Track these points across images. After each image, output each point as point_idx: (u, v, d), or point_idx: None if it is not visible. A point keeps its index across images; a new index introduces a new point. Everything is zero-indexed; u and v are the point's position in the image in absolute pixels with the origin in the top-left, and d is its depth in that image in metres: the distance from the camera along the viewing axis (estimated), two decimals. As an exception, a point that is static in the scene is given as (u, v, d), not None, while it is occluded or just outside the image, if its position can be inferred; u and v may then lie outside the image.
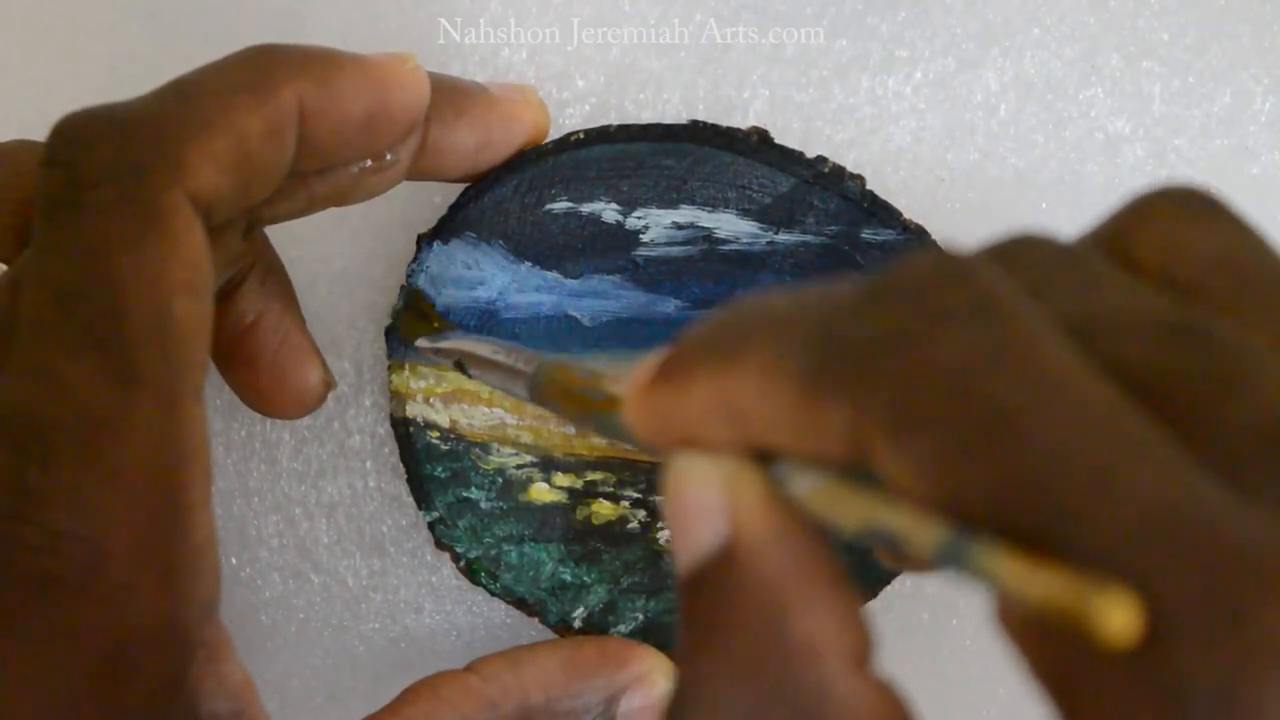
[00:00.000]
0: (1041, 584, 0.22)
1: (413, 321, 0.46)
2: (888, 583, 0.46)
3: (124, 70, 0.49)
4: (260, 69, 0.36)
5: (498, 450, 0.46)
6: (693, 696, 0.27)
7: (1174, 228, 0.28)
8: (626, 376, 0.30)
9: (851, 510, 0.26)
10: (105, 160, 0.33)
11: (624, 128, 0.45)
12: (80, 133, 0.33)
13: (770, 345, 0.27)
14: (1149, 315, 0.26)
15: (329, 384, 0.45)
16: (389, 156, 0.40)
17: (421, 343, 0.45)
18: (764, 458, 0.28)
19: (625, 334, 0.46)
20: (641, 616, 0.46)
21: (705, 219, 0.46)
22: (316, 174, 0.39)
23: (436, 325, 0.46)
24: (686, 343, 0.29)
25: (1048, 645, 0.24)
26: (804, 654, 0.26)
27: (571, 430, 0.46)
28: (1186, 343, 0.25)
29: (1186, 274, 0.27)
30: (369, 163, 0.40)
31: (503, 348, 0.41)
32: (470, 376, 0.43)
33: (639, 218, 0.46)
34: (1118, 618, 0.22)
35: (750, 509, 0.27)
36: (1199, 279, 0.27)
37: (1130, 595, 0.22)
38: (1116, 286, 0.26)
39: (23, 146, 0.39)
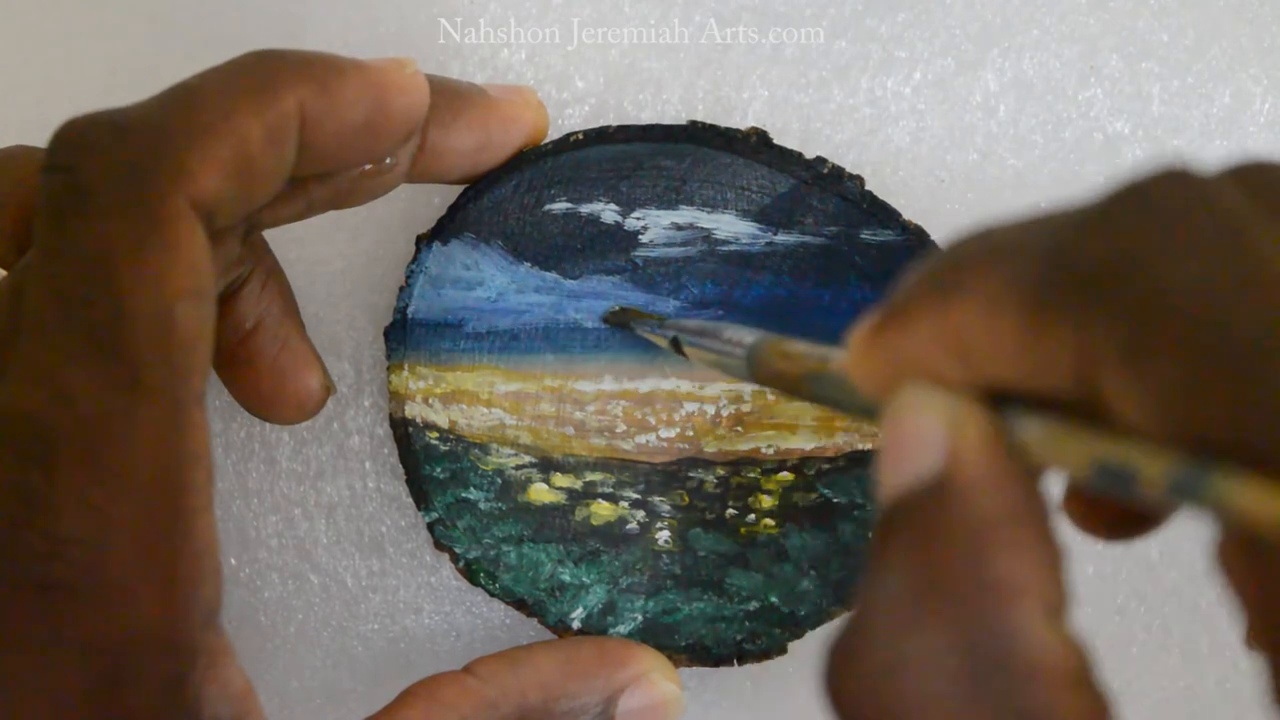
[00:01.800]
0: None
1: (626, 313, 0.46)
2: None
3: (124, 73, 0.49)
4: (261, 74, 0.35)
5: (497, 451, 0.46)
6: (875, 619, 0.27)
7: None
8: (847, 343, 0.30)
9: (1079, 450, 0.26)
10: (107, 165, 0.33)
11: (623, 128, 0.45)
12: (82, 137, 0.33)
13: (995, 272, 0.27)
14: None
15: (329, 389, 0.45)
16: (388, 160, 0.40)
17: (636, 324, 0.45)
18: (990, 400, 0.28)
19: (626, 335, 0.46)
20: (640, 617, 0.46)
21: (704, 220, 0.46)
22: (316, 178, 0.39)
23: (654, 317, 0.46)
24: (909, 283, 0.29)
25: (1276, 580, 0.24)
26: (1001, 594, 0.26)
27: (571, 430, 0.46)
28: None
29: None
30: (369, 166, 0.40)
31: (724, 326, 0.41)
32: (684, 355, 0.43)
33: (638, 218, 0.46)
34: None
35: (971, 444, 0.27)
36: None
37: None
38: None
39: (23, 151, 0.39)
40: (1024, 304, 0.26)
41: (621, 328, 0.46)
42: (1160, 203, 0.25)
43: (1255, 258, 0.24)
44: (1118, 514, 0.31)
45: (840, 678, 0.27)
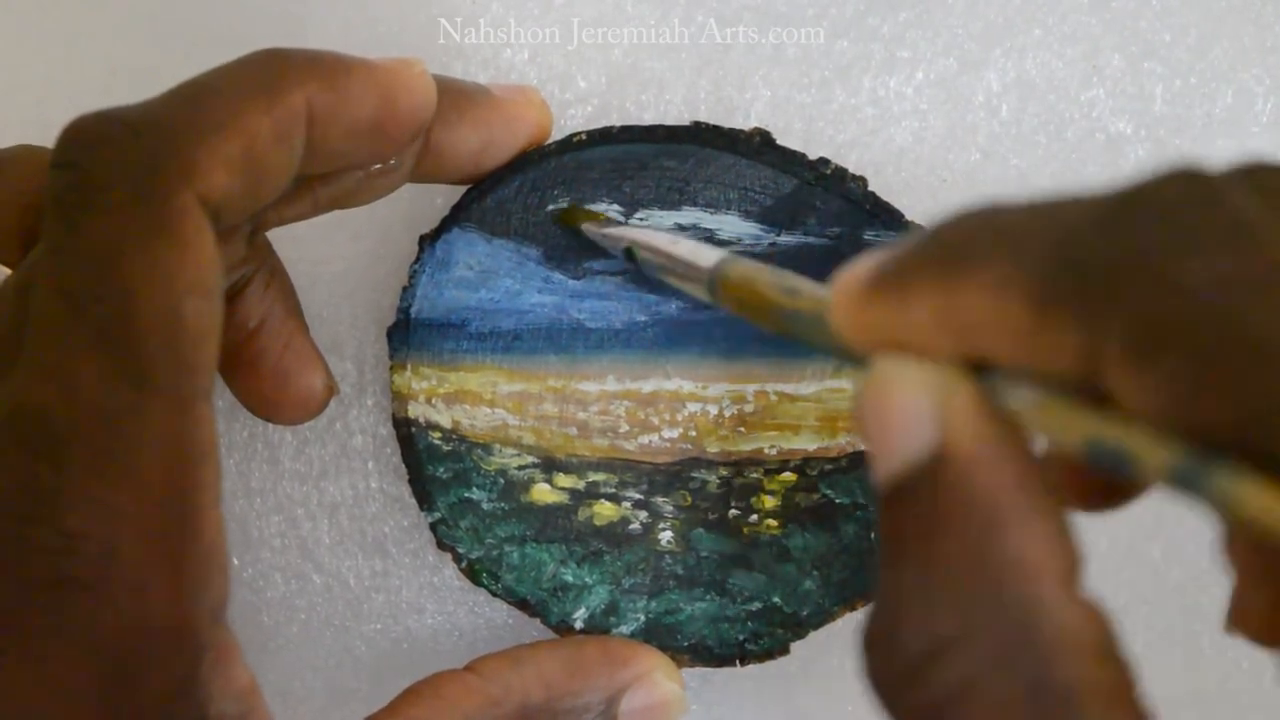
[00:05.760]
0: None
1: (576, 211, 0.45)
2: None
3: (124, 73, 0.49)
4: (270, 72, 0.35)
5: (499, 451, 0.46)
6: (897, 609, 0.27)
7: None
8: (831, 280, 0.30)
9: (1075, 425, 0.26)
10: (116, 162, 0.33)
11: (626, 129, 0.45)
12: (90, 134, 0.33)
13: (1004, 258, 0.27)
14: None
15: (332, 389, 0.45)
16: (393, 160, 0.40)
17: (588, 228, 0.45)
18: (977, 369, 0.28)
19: (628, 335, 0.46)
20: (643, 617, 0.46)
21: (708, 220, 0.46)
22: (321, 178, 0.39)
23: (601, 218, 0.45)
24: (908, 250, 0.29)
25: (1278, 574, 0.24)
26: (1015, 570, 0.26)
27: (574, 431, 0.46)
28: None
29: None
30: (375, 166, 0.40)
31: (681, 240, 0.41)
32: (636, 267, 0.43)
33: (641, 219, 0.46)
34: None
35: (965, 418, 0.27)
36: None
37: None
38: None
39: (27, 151, 0.39)
40: (1031, 293, 0.26)
41: (570, 229, 0.46)
42: (1171, 201, 0.26)
43: (1266, 257, 0.25)
44: (1095, 486, 0.31)
45: (878, 669, 0.28)
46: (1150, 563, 0.49)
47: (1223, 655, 0.49)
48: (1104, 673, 0.26)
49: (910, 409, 0.28)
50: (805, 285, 0.34)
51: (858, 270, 0.29)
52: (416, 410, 0.46)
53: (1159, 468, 0.24)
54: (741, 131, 0.45)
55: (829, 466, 0.47)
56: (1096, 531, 0.49)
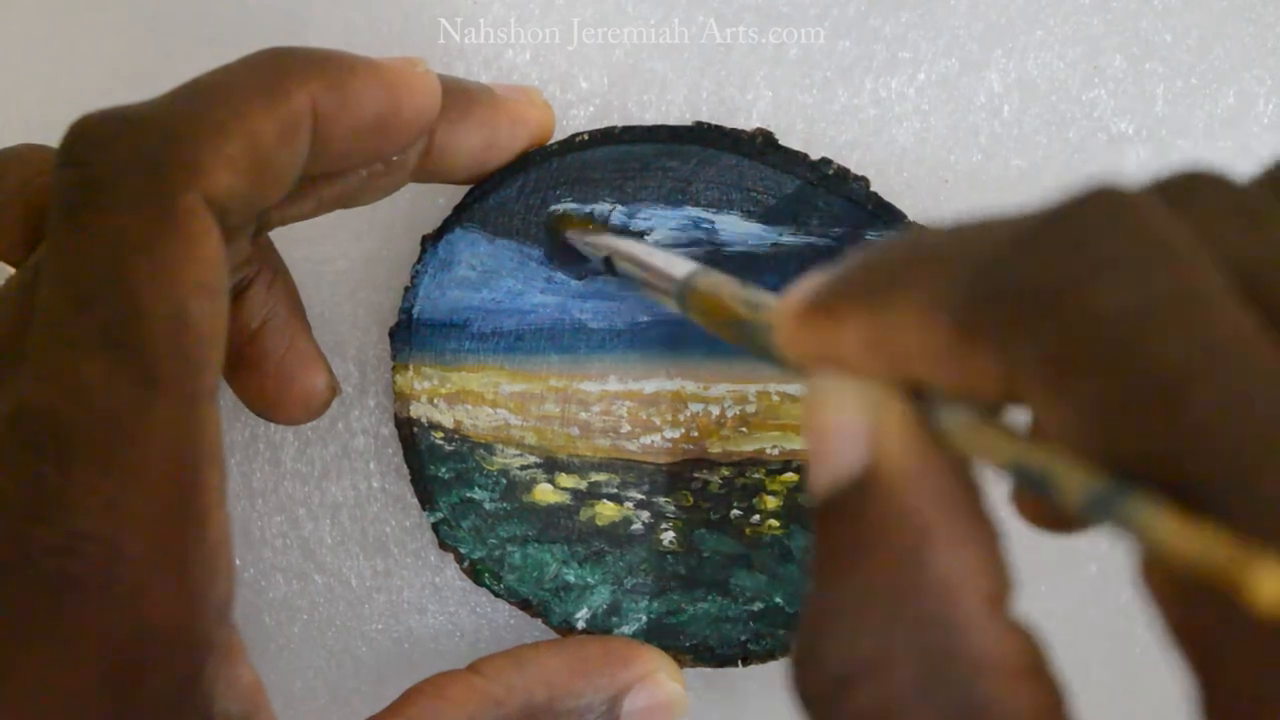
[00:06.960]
0: (1196, 543, 0.22)
1: (566, 217, 0.46)
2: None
3: (127, 72, 0.49)
4: (274, 72, 0.35)
5: (502, 451, 0.46)
6: (821, 628, 0.27)
7: None
8: (780, 295, 0.30)
9: (1000, 448, 0.26)
10: (121, 161, 0.33)
11: (628, 129, 0.45)
12: (96, 133, 0.33)
13: (927, 284, 0.26)
14: None
15: (334, 389, 0.45)
16: (397, 160, 0.40)
17: (572, 234, 0.45)
18: (911, 390, 0.27)
19: (631, 335, 0.46)
20: (645, 617, 0.46)
21: (709, 221, 0.46)
22: (325, 177, 0.39)
23: (590, 226, 0.45)
24: (841, 275, 0.28)
25: (1192, 606, 0.24)
26: (939, 590, 0.26)
27: (576, 431, 0.46)
28: None
29: None
30: (379, 166, 0.40)
31: (656, 251, 0.41)
32: (616, 275, 0.43)
33: (644, 219, 0.46)
34: (1271, 587, 0.21)
35: (893, 436, 0.27)
36: None
37: None
38: None
39: (31, 150, 0.39)
40: (954, 319, 0.26)
41: (554, 234, 0.46)
42: (1088, 225, 0.25)
43: (1179, 284, 0.24)
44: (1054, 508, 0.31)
45: (803, 688, 0.27)
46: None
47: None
48: (1029, 693, 0.26)
49: (843, 426, 0.27)
50: (768, 299, 0.34)
51: (798, 291, 0.29)
52: (418, 410, 0.46)
53: (1075, 494, 0.24)
54: (744, 132, 0.45)
55: (831, 467, 0.47)
56: (1091, 540, 0.49)
